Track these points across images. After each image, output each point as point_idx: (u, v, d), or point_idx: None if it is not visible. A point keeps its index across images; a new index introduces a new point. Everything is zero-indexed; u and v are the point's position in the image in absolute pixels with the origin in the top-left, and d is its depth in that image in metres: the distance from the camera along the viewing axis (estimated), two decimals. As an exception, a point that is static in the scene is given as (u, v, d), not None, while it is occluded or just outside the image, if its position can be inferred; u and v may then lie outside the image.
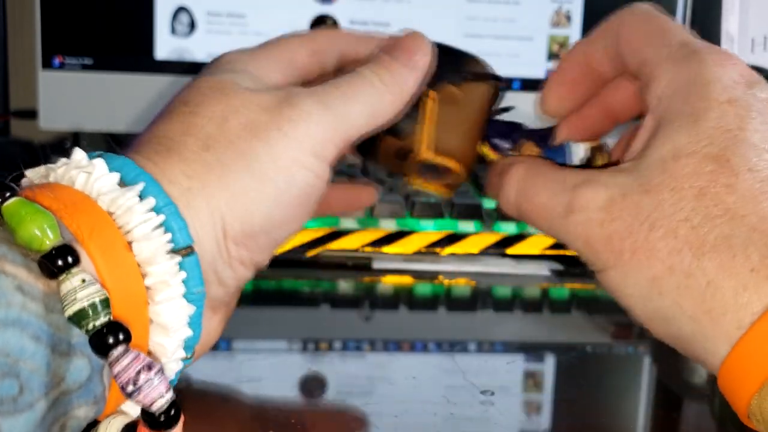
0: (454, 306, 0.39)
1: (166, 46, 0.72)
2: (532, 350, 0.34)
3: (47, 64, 0.71)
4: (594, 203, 0.24)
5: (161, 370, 0.19)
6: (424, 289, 0.42)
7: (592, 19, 0.75)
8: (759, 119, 0.24)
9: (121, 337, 0.19)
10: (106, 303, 0.19)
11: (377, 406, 0.27)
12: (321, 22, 0.73)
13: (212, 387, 0.28)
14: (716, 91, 0.24)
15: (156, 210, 0.22)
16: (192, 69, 0.72)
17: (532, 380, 0.30)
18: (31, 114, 0.74)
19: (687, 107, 0.24)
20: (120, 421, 0.20)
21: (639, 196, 0.24)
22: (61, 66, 0.71)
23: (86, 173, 0.21)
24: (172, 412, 0.19)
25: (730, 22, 0.87)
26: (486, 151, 0.29)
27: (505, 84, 0.31)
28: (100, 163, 0.22)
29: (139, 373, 0.19)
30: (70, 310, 0.18)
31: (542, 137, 0.31)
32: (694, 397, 0.28)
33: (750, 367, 0.21)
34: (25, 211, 0.19)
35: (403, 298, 0.41)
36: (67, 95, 0.71)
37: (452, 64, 0.29)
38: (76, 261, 0.19)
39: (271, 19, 0.73)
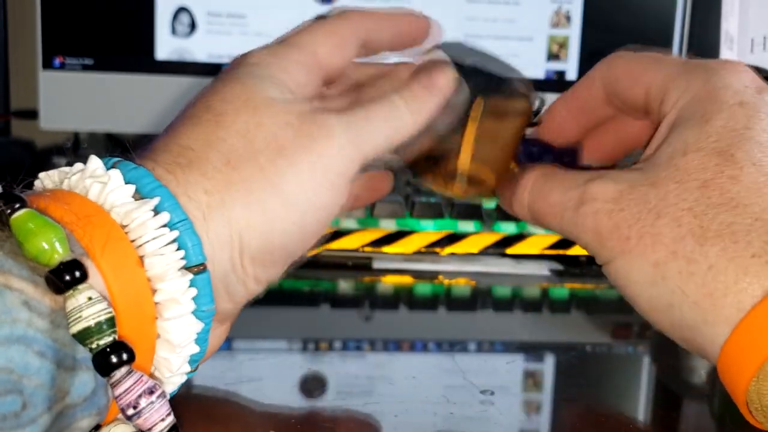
0: (454, 306, 0.40)
1: (166, 46, 0.72)
2: (532, 350, 0.34)
3: (48, 64, 0.71)
4: (603, 195, 0.26)
5: (163, 394, 0.19)
6: (424, 289, 0.42)
7: (592, 19, 0.75)
8: (767, 120, 0.24)
9: (124, 357, 0.19)
10: (111, 322, 0.19)
11: (377, 406, 0.27)
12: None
13: (212, 387, 0.28)
14: (727, 95, 0.25)
15: (170, 225, 0.21)
16: (192, 69, 0.72)
17: (532, 380, 0.30)
18: (31, 114, 0.74)
19: (699, 109, 0.25)
20: (121, 430, 0.20)
21: (646, 188, 0.25)
22: (62, 66, 0.71)
23: (101, 183, 0.21)
24: None
25: (729, 23, 0.87)
26: (513, 167, 0.30)
27: (543, 102, 0.32)
28: (115, 174, 0.22)
29: (140, 396, 0.19)
30: (75, 328, 0.18)
31: (570, 159, 0.31)
32: (693, 397, 0.28)
33: (749, 350, 0.22)
34: (33, 223, 0.18)
35: (403, 298, 0.42)
36: (67, 95, 0.71)
37: (497, 79, 0.31)
38: (84, 277, 0.19)
39: (272, 19, 0.73)
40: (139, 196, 0.22)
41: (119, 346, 0.19)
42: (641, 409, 0.27)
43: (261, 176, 0.24)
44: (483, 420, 0.26)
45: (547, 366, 0.32)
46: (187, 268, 0.21)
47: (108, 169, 0.22)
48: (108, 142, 0.75)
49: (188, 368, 0.23)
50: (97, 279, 0.19)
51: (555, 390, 0.29)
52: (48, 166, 0.23)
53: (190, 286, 0.21)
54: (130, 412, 0.18)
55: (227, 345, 0.31)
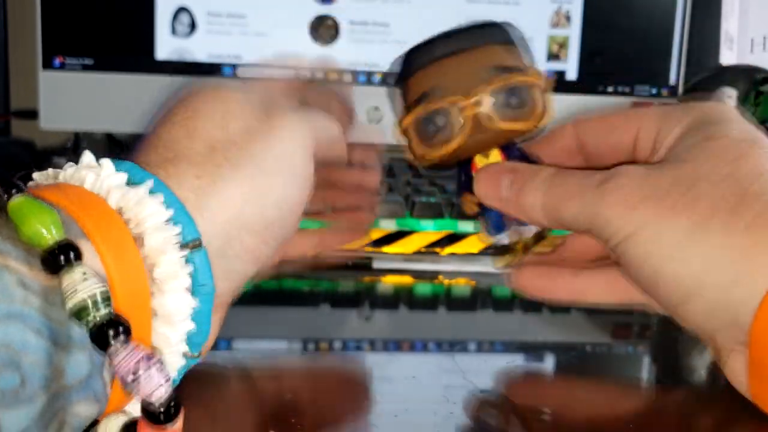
0: (454, 306, 0.40)
1: (166, 46, 0.72)
2: (532, 350, 0.34)
3: (48, 64, 0.71)
4: (632, 173, 0.27)
5: (160, 362, 0.19)
6: (424, 289, 0.42)
7: (591, 19, 0.75)
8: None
9: (121, 330, 0.19)
10: (105, 296, 0.19)
11: (377, 406, 0.27)
12: (321, 22, 0.73)
13: (212, 387, 0.28)
14: (731, 113, 0.28)
15: (165, 205, 0.22)
16: (192, 69, 0.72)
17: (531, 380, 0.30)
18: (31, 114, 0.74)
19: (708, 118, 0.27)
20: (120, 420, 0.20)
21: (677, 165, 0.27)
22: (62, 66, 0.71)
23: (95, 173, 0.22)
24: (172, 405, 0.19)
25: (729, 23, 0.87)
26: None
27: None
28: (107, 163, 0.23)
29: (138, 363, 0.19)
30: (71, 302, 0.19)
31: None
32: (693, 397, 0.28)
33: None
34: (29, 208, 0.19)
35: (403, 298, 0.42)
36: (67, 95, 0.71)
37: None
38: (78, 257, 0.19)
39: (272, 19, 0.73)
40: (131, 185, 0.23)
41: (115, 320, 0.19)
42: (641, 409, 0.27)
43: (244, 157, 0.25)
44: (483, 419, 0.26)
45: (547, 366, 0.32)
46: (182, 245, 0.22)
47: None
48: (108, 142, 0.75)
49: (186, 348, 0.23)
50: (94, 260, 0.20)
51: (555, 390, 0.29)
52: (48, 166, 0.24)
53: (187, 263, 0.22)
54: (129, 378, 0.19)
55: (227, 345, 0.31)
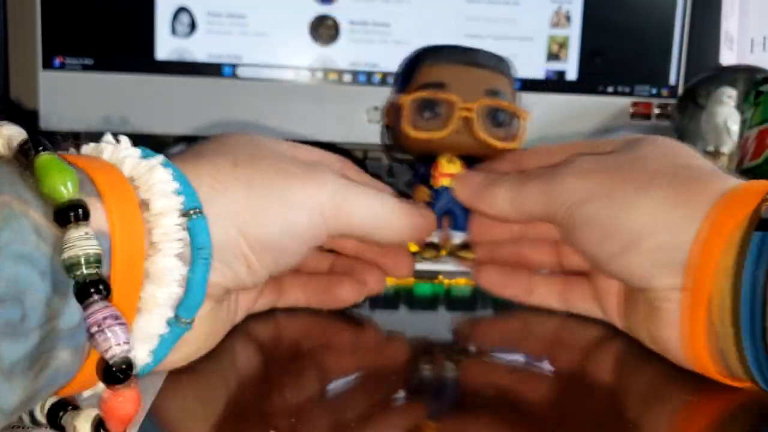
0: (454, 306, 0.40)
1: (166, 46, 0.72)
2: (532, 350, 0.34)
3: (48, 64, 0.71)
4: (583, 157, 0.32)
5: (126, 326, 0.21)
6: (424, 289, 0.42)
7: (591, 19, 0.75)
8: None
9: (101, 288, 0.20)
10: (97, 258, 0.20)
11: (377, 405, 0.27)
12: (321, 22, 0.74)
13: (212, 387, 0.28)
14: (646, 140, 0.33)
15: (172, 177, 0.24)
16: (192, 69, 0.72)
17: (531, 379, 0.30)
18: (32, 114, 0.74)
19: (642, 137, 0.33)
20: (98, 414, 0.22)
21: (620, 154, 0.31)
22: (62, 66, 0.71)
23: (113, 147, 0.25)
24: (124, 366, 0.20)
25: (729, 23, 0.87)
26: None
27: None
28: (125, 139, 0.25)
29: (105, 318, 0.20)
30: (65, 255, 0.20)
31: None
32: (692, 396, 0.28)
33: (724, 219, 0.27)
34: (52, 165, 0.21)
35: (403, 298, 0.42)
36: (67, 95, 0.71)
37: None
38: (86, 216, 0.21)
39: (272, 19, 0.73)
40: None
41: (97, 279, 0.20)
42: (641, 409, 0.27)
43: (263, 180, 0.27)
44: (483, 419, 0.26)
45: (547, 366, 0.32)
46: (183, 213, 0.24)
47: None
48: (112, 135, 0.75)
49: (171, 314, 0.24)
50: (102, 217, 0.22)
51: (555, 390, 0.29)
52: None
53: (186, 230, 0.24)
54: (94, 329, 0.20)
55: (227, 344, 0.31)
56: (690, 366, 0.29)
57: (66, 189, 0.21)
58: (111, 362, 0.20)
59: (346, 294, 0.35)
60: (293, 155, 0.30)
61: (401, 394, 0.28)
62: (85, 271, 0.20)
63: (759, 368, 0.26)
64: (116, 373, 0.20)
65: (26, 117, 0.77)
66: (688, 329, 0.28)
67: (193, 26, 0.72)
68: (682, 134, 0.71)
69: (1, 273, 0.19)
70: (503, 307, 0.40)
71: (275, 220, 0.27)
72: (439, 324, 0.37)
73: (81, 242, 0.20)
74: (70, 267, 0.20)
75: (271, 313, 0.35)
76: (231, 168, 0.27)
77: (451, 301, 0.41)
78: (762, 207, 0.26)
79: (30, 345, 0.19)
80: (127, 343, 0.20)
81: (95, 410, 0.22)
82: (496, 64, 0.37)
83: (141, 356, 0.24)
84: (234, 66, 0.73)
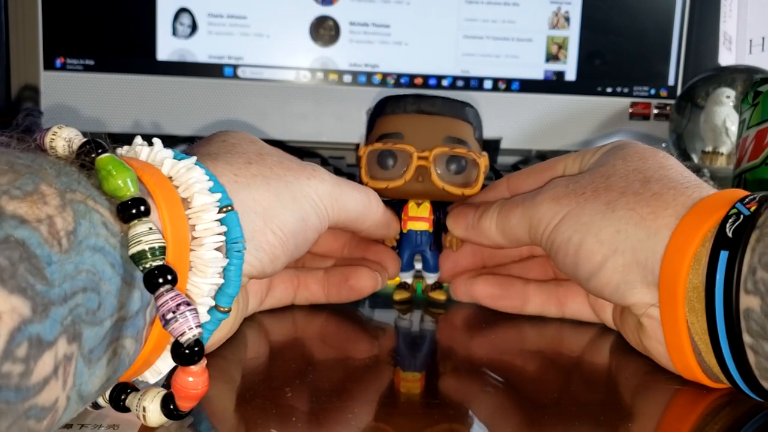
0: (454, 306, 0.40)
1: (167, 47, 0.72)
2: (531, 350, 0.34)
3: (49, 65, 0.71)
4: (558, 180, 0.33)
5: (196, 310, 0.22)
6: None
7: (590, 20, 0.75)
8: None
9: (169, 277, 0.22)
10: (162, 250, 0.22)
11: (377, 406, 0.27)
12: (321, 23, 0.74)
13: (212, 387, 0.28)
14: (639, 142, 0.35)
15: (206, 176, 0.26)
16: (193, 70, 0.72)
17: (531, 379, 0.30)
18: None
19: (623, 142, 0.34)
20: (163, 393, 0.24)
21: (595, 170, 0.32)
22: (63, 67, 0.71)
23: (149, 148, 0.26)
24: (197, 348, 0.22)
25: (728, 24, 0.87)
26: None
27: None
28: (158, 141, 0.27)
29: (179, 305, 0.21)
30: (134, 250, 0.21)
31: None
32: (693, 398, 0.29)
33: (688, 239, 0.27)
34: (113, 165, 0.22)
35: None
36: (69, 96, 0.72)
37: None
38: (148, 212, 0.22)
39: (272, 20, 0.73)
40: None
41: (166, 269, 0.22)
42: (640, 408, 0.27)
43: (276, 177, 0.30)
44: (483, 419, 0.26)
45: (547, 365, 0.32)
46: (220, 208, 0.26)
47: None
48: (110, 142, 0.75)
49: (213, 303, 0.26)
50: (155, 215, 0.23)
51: (554, 389, 0.29)
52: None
53: (221, 224, 0.26)
54: (169, 316, 0.21)
55: (227, 344, 0.32)
56: (681, 374, 0.29)
57: (128, 187, 0.22)
58: (185, 345, 0.22)
59: (365, 282, 0.37)
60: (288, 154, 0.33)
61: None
62: (152, 263, 0.22)
63: (746, 384, 0.27)
64: (190, 354, 0.22)
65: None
66: (672, 343, 0.29)
67: (194, 27, 0.72)
68: (681, 135, 0.71)
69: (83, 264, 0.20)
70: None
71: (292, 209, 0.30)
72: (438, 323, 0.38)
73: (147, 236, 0.22)
74: (139, 259, 0.21)
75: (287, 310, 0.37)
76: (246, 166, 0.29)
77: (451, 300, 0.41)
78: (726, 224, 0.27)
79: (105, 332, 0.20)
80: (199, 326, 0.22)
81: (159, 390, 0.24)
82: (456, 110, 0.38)
83: None
84: (235, 67, 0.73)
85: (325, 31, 0.74)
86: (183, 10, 0.72)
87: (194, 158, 0.26)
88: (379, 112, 0.38)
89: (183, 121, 0.73)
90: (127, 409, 0.24)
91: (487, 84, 0.76)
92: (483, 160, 0.37)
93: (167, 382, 0.24)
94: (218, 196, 0.26)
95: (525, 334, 0.36)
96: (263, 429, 0.24)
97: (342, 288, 0.37)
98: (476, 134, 0.38)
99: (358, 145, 0.39)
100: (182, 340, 0.21)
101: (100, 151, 0.22)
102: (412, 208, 0.38)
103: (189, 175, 0.25)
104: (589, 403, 0.28)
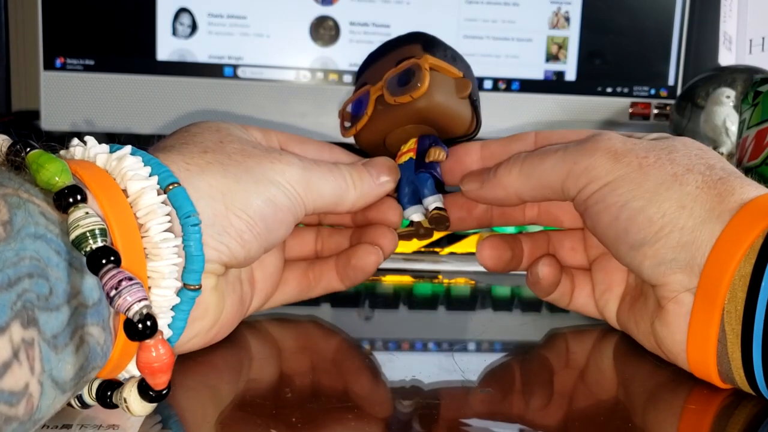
0: (454, 306, 0.40)
1: (167, 47, 0.72)
2: (531, 349, 0.34)
3: (49, 65, 0.71)
4: (614, 134, 0.31)
5: (140, 284, 0.21)
6: (424, 288, 0.43)
7: (590, 20, 0.75)
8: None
9: (112, 258, 0.21)
10: (103, 231, 0.22)
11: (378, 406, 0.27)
12: (321, 23, 0.74)
13: (212, 387, 0.28)
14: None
15: (143, 163, 0.26)
16: (193, 70, 0.72)
17: (531, 379, 0.30)
18: (33, 115, 0.74)
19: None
20: (137, 380, 0.23)
21: (653, 142, 0.31)
22: (63, 67, 0.71)
23: (82, 147, 0.26)
24: (149, 322, 0.21)
25: (728, 24, 0.87)
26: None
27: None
28: (91, 139, 0.27)
29: (120, 281, 0.21)
30: (73, 234, 0.21)
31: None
32: (692, 399, 0.29)
33: (744, 230, 0.27)
34: (44, 158, 0.22)
35: (403, 298, 0.42)
36: (69, 96, 0.72)
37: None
38: (84, 199, 0.22)
39: (272, 20, 0.73)
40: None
41: (107, 249, 0.22)
42: (641, 408, 0.27)
43: (234, 164, 0.29)
44: (483, 418, 0.26)
45: (546, 365, 0.32)
46: (160, 190, 0.26)
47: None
48: (109, 142, 0.75)
49: (179, 284, 0.26)
50: (93, 203, 0.23)
51: (554, 389, 0.29)
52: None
53: (170, 204, 0.25)
54: (112, 293, 0.21)
55: (227, 343, 0.32)
56: (691, 369, 0.29)
57: (61, 176, 0.22)
58: (135, 320, 0.21)
59: (368, 258, 0.35)
60: (270, 144, 0.33)
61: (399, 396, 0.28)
62: (93, 245, 0.21)
63: (766, 379, 0.26)
64: (141, 328, 0.21)
65: (28, 117, 0.78)
66: (696, 332, 0.28)
67: (193, 27, 0.72)
68: (681, 135, 0.71)
69: (25, 251, 0.20)
70: (503, 307, 0.40)
71: (255, 192, 0.29)
72: (438, 323, 0.38)
73: (85, 220, 0.22)
74: (80, 244, 0.21)
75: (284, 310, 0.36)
76: (200, 154, 0.29)
77: (451, 301, 0.41)
78: None
79: (64, 318, 0.21)
80: (145, 299, 0.21)
81: (137, 378, 0.24)
82: (404, 39, 0.37)
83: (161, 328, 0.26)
84: (235, 67, 0.73)
85: (325, 31, 0.74)
86: (183, 10, 0.72)
87: (128, 148, 0.26)
88: (357, 78, 0.39)
89: (183, 121, 0.73)
90: (115, 406, 0.24)
91: (487, 84, 0.76)
92: (424, 60, 0.34)
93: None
94: (155, 178, 0.26)
95: (529, 347, 0.35)
96: (263, 429, 0.24)
97: (349, 270, 0.35)
98: (432, 50, 0.36)
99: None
100: (130, 315, 0.21)
101: (29, 149, 0.23)
102: (401, 149, 0.36)
103: (121, 165, 0.25)
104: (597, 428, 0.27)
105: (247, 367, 0.30)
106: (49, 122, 0.71)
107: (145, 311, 0.21)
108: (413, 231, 0.36)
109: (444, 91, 0.35)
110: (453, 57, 0.37)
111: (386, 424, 0.25)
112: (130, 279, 0.21)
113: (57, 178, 0.22)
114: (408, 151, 0.36)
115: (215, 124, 0.31)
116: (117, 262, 0.22)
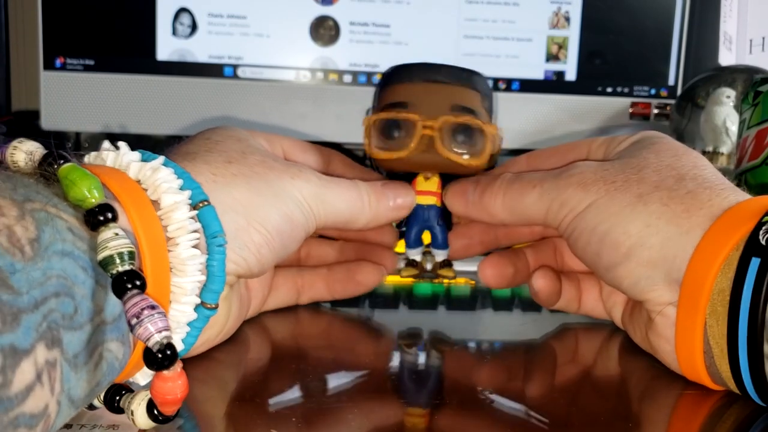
0: (454, 306, 0.40)
1: (167, 47, 0.72)
2: (531, 349, 0.34)
3: (49, 65, 0.71)
4: (587, 163, 0.32)
5: (163, 313, 0.21)
6: (424, 289, 0.43)
7: (591, 20, 0.75)
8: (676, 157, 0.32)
9: (137, 282, 0.21)
10: (131, 254, 0.22)
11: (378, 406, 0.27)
12: (321, 23, 0.74)
13: (212, 387, 0.28)
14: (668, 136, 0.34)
15: (175, 176, 0.26)
16: (193, 70, 0.72)
17: (531, 379, 0.30)
18: (33, 115, 0.74)
19: (654, 135, 0.33)
20: (148, 396, 0.23)
21: (625, 160, 0.31)
22: (63, 67, 0.71)
23: (115, 154, 0.26)
24: (168, 352, 0.21)
25: (728, 24, 0.87)
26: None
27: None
28: (124, 145, 0.26)
29: (143, 310, 0.21)
30: (101, 256, 0.21)
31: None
32: (692, 400, 0.29)
33: (719, 243, 0.27)
34: (75, 173, 0.22)
35: (403, 298, 0.42)
36: (68, 96, 0.72)
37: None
38: (115, 218, 0.22)
39: (272, 20, 0.73)
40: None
41: (133, 273, 0.21)
42: (641, 408, 0.27)
43: (256, 176, 0.29)
44: (483, 418, 0.26)
45: (546, 365, 0.32)
46: (191, 206, 0.26)
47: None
48: (109, 142, 0.75)
49: (198, 301, 0.26)
50: (123, 219, 0.23)
51: (554, 389, 0.29)
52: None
53: (197, 222, 0.25)
54: (133, 321, 0.21)
55: (228, 343, 0.32)
56: (685, 376, 0.29)
57: (92, 194, 0.22)
58: (154, 350, 0.21)
59: (372, 277, 0.37)
60: (275, 153, 0.33)
61: (400, 388, 0.28)
62: (120, 268, 0.21)
63: (757, 393, 0.26)
64: (160, 359, 0.21)
65: (28, 117, 0.78)
66: (683, 344, 0.29)
67: (193, 27, 0.72)
68: (681, 135, 0.71)
69: (52, 270, 0.19)
70: (503, 307, 0.40)
71: (275, 207, 0.29)
72: (438, 323, 0.38)
73: (114, 242, 0.21)
74: (107, 265, 0.21)
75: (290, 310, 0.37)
76: (225, 165, 0.29)
77: (451, 301, 0.41)
78: (760, 231, 0.26)
79: (85, 336, 0.20)
80: (167, 329, 0.21)
81: (147, 393, 0.23)
82: (464, 78, 0.36)
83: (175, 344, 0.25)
84: (235, 67, 0.73)
85: (325, 31, 0.74)
86: (183, 9, 0.72)
87: (161, 158, 0.26)
88: (385, 81, 0.37)
89: (183, 121, 0.73)
90: (121, 411, 0.24)
91: (487, 84, 0.76)
92: (490, 129, 0.35)
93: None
94: (188, 193, 0.26)
95: (530, 345, 0.36)
96: (263, 429, 0.24)
97: (348, 284, 0.36)
98: (485, 103, 0.37)
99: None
100: (150, 344, 0.21)
101: (62, 161, 0.22)
102: (420, 182, 0.36)
103: (156, 176, 0.25)
104: (595, 422, 0.27)
105: (246, 366, 0.30)
106: (49, 122, 0.71)
107: (165, 341, 0.21)
108: (416, 273, 0.38)
109: (489, 154, 0.36)
110: (491, 98, 0.38)
111: (387, 423, 0.25)
112: (153, 307, 0.21)
113: (88, 196, 0.22)
114: (430, 192, 0.36)
115: (235, 133, 0.32)
116: (142, 287, 0.21)
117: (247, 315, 0.34)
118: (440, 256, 0.38)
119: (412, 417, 0.26)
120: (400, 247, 0.38)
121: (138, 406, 0.23)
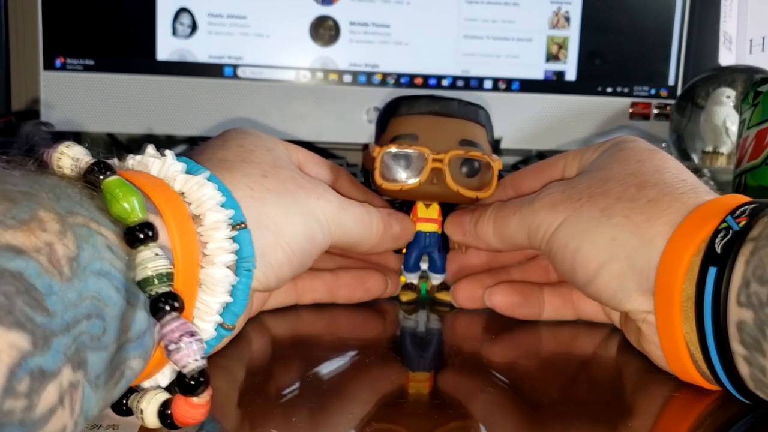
0: (453, 306, 0.40)
1: (167, 47, 0.72)
2: (531, 350, 0.34)
3: (49, 65, 0.71)
4: (556, 185, 0.33)
5: (201, 340, 0.21)
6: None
7: (591, 20, 0.75)
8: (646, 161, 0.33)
9: (176, 305, 0.21)
10: (169, 276, 0.22)
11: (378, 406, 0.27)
12: (321, 23, 0.74)
13: (213, 385, 0.28)
14: (638, 138, 0.35)
15: (219, 192, 0.26)
16: (193, 70, 0.72)
17: (531, 379, 0.30)
18: (33, 115, 0.74)
19: (622, 140, 0.34)
20: (159, 397, 0.23)
21: (592, 173, 0.32)
22: (63, 67, 0.71)
23: (160, 161, 0.26)
24: (202, 378, 0.21)
25: (728, 24, 0.87)
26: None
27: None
28: (170, 153, 0.26)
29: (182, 336, 0.21)
30: (140, 275, 0.21)
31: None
32: (691, 400, 0.29)
33: (681, 249, 0.27)
34: (120, 188, 0.22)
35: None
36: (68, 96, 0.72)
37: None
38: (155, 236, 0.22)
39: (272, 20, 0.73)
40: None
41: (172, 296, 0.22)
42: (641, 408, 0.27)
43: (288, 193, 0.30)
44: (483, 418, 0.26)
45: (546, 365, 0.32)
46: (232, 226, 0.26)
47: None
48: (109, 142, 0.75)
49: (220, 319, 0.26)
50: (164, 234, 0.23)
51: (554, 389, 0.29)
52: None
53: (233, 242, 0.26)
54: (171, 347, 0.21)
55: (229, 343, 0.32)
56: (679, 377, 0.29)
57: (134, 211, 0.22)
58: (188, 376, 0.21)
59: (381, 287, 0.38)
60: (298, 165, 0.34)
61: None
62: (159, 290, 0.21)
63: (737, 391, 0.27)
64: (194, 385, 0.22)
65: (28, 117, 0.78)
66: (669, 350, 0.29)
67: (193, 27, 0.72)
68: (681, 135, 0.71)
69: (87, 291, 0.19)
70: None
71: (301, 227, 0.30)
72: (438, 322, 0.38)
73: (152, 262, 0.21)
74: (145, 286, 0.21)
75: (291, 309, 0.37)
76: (261, 179, 0.30)
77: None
78: (716, 239, 0.26)
79: (110, 356, 0.20)
80: (203, 358, 0.21)
81: (158, 393, 0.23)
82: (471, 113, 0.37)
83: None
84: (235, 67, 0.73)
85: (325, 31, 0.74)
86: (183, 10, 0.72)
87: (207, 173, 0.26)
88: (392, 112, 0.38)
89: (183, 121, 0.73)
90: (128, 413, 0.24)
91: (487, 84, 0.76)
92: (496, 164, 0.37)
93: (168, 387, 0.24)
94: (231, 212, 0.26)
95: (531, 333, 0.36)
96: (263, 429, 0.24)
97: (356, 290, 0.37)
98: (488, 137, 0.38)
99: (364, 146, 0.38)
100: (185, 371, 0.21)
101: (108, 173, 0.22)
102: (420, 209, 0.38)
103: (201, 192, 0.25)
104: (590, 403, 0.28)
105: (246, 366, 0.30)
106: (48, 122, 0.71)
107: (198, 369, 0.21)
108: (415, 297, 0.40)
109: (495, 188, 0.37)
110: (491, 132, 0.39)
111: (387, 422, 0.25)
112: (192, 334, 0.21)
113: (131, 213, 0.22)
114: (431, 220, 0.38)
115: (263, 141, 0.32)
116: (180, 309, 0.22)
117: (249, 316, 0.34)
118: (437, 279, 0.39)
119: (413, 416, 0.26)
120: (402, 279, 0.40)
121: (147, 405, 0.23)
